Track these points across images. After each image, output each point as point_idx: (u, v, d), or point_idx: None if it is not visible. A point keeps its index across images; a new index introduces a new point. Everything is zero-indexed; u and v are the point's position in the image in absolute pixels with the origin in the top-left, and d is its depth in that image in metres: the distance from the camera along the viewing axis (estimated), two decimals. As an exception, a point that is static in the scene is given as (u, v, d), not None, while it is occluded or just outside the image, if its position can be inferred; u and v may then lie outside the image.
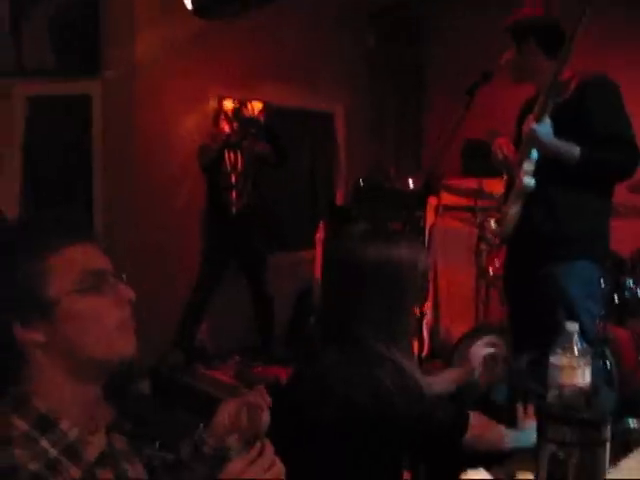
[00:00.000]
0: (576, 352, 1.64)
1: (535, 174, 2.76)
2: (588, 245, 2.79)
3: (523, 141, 2.80)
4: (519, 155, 2.84)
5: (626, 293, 3.65)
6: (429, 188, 5.53)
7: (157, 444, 1.57)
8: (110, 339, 1.26)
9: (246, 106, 5.24)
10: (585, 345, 1.65)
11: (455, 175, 5.34)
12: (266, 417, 1.41)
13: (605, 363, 3.46)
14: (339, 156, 6.72)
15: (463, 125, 3.10)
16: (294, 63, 6.13)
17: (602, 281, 3.52)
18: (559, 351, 1.64)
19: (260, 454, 1.28)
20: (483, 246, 4.37)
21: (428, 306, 5.31)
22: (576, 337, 1.65)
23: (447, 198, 5.35)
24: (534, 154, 2.76)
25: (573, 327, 1.65)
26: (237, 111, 5.10)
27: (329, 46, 6.36)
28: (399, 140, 6.57)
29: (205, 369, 5.13)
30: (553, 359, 1.65)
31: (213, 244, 5.19)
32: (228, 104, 5.13)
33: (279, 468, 1.31)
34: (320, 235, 5.88)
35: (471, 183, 4.71)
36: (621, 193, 3.52)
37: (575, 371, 1.62)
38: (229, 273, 5.26)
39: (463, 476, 1.50)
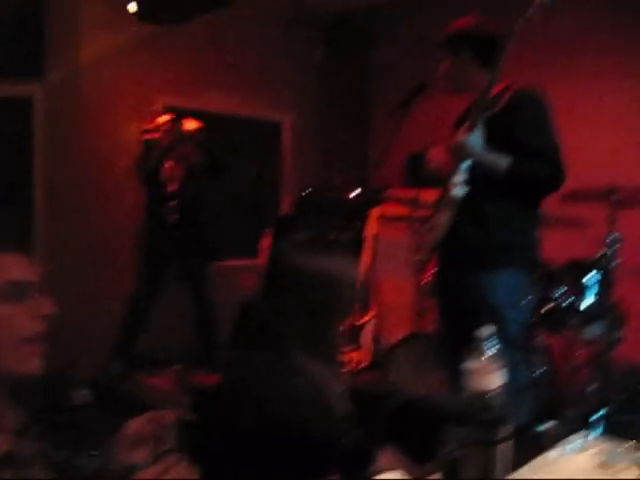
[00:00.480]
0: (487, 357, 1.67)
1: (466, 184, 2.82)
2: (514, 255, 2.85)
3: (453, 151, 2.84)
4: (451, 165, 2.89)
5: (555, 303, 3.72)
6: (372, 199, 5.61)
7: (78, 452, 1.55)
8: (16, 351, 1.26)
9: (182, 118, 5.20)
10: (496, 350, 1.68)
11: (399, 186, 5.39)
12: (172, 434, 1.40)
13: (533, 370, 3.54)
14: (285, 165, 6.74)
15: (403, 136, 3.16)
16: (242, 72, 6.16)
17: (533, 291, 3.61)
18: (471, 356, 1.67)
19: (169, 467, 1.29)
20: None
21: (372, 315, 5.36)
22: (487, 342, 1.68)
23: (390, 209, 5.39)
24: (465, 165, 2.81)
25: (484, 333, 1.68)
26: (173, 122, 5.07)
27: (278, 55, 6.40)
28: (345, 150, 6.60)
29: (146, 377, 5.08)
30: (467, 364, 1.68)
31: (150, 254, 5.16)
32: (164, 117, 5.08)
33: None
34: (265, 244, 5.89)
35: (411, 193, 4.76)
36: (553, 204, 3.62)
37: (487, 376, 1.65)
38: (170, 281, 5.23)
39: (378, 477, 1.52)
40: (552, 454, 1.73)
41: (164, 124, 5.01)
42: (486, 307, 2.76)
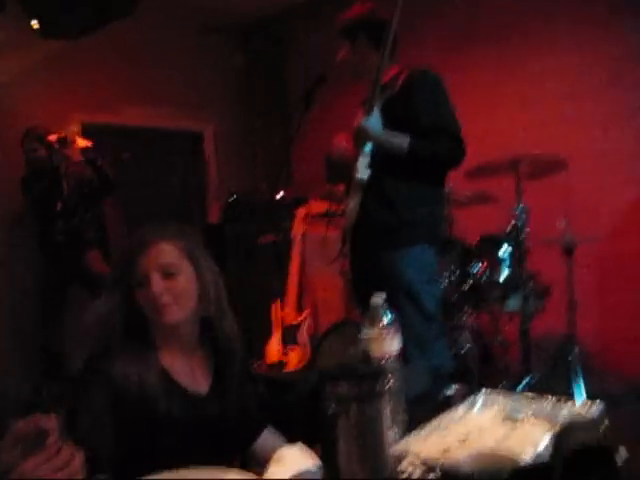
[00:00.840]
0: (383, 324, 1.68)
1: (371, 167, 2.85)
2: (423, 231, 2.90)
3: (354, 135, 2.87)
4: (355, 150, 2.92)
5: (475, 279, 3.80)
6: (297, 199, 5.63)
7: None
8: None
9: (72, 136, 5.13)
10: (392, 316, 1.70)
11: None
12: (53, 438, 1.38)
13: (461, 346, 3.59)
14: (210, 174, 6.72)
15: (325, 135, 3.18)
16: (160, 84, 6.14)
17: (451, 269, 3.67)
18: (368, 324, 1.69)
19: (56, 453, 1.27)
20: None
21: (306, 314, 5.36)
22: (380, 309, 1.69)
23: (314, 207, 5.41)
24: (367, 148, 2.84)
25: (378, 300, 1.70)
26: (62, 141, 4.98)
27: (195, 65, 6.39)
28: (269, 155, 6.62)
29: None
30: (364, 333, 1.70)
31: (48, 272, 5.09)
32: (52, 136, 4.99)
33: (76, 466, 1.30)
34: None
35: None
36: (461, 182, 3.70)
37: (383, 341, 1.67)
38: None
39: (279, 453, 1.52)
40: (459, 411, 1.75)
41: (53, 142, 4.93)
42: (400, 284, 2.79)
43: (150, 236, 1.79)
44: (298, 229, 5.52)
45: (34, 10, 3.84)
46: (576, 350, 3.81)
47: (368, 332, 1.68)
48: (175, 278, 1.75)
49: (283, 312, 5.28)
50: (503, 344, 4.01)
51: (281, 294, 5.31)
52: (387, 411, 1.28)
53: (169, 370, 1.76)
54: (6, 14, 4.27)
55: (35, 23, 4.22)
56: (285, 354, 4.96)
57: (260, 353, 4.96)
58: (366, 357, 1.30)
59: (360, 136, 2.82)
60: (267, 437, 1.89)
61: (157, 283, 1.72)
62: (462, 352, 3.65)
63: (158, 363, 1.75)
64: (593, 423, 0.87)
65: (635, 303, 4.40)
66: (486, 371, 3.71)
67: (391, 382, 1.62)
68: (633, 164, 4.35)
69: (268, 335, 5.08)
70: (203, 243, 1.89)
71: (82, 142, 5.03)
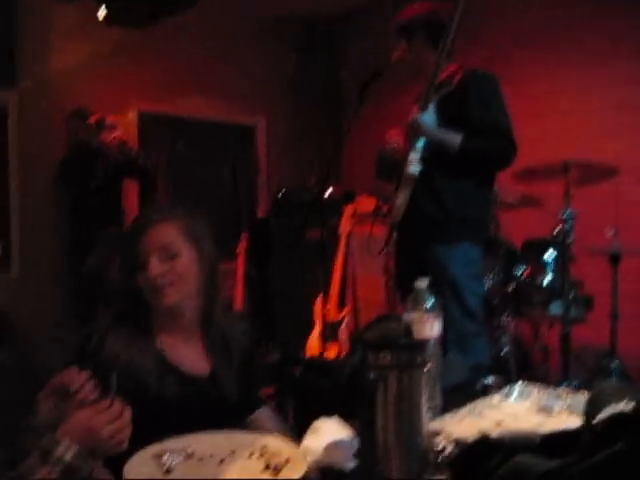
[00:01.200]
0: (425, 307, 1.72)
1: (422, 162, 2.88)
2: (470, 228, 2.93)
3: (407, 130, 2.91)
4: (407, 145, 2.96)
5: (517, 281, 3.80)
6: (346, 196, 5.68)
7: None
8: None
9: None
10: (434, 302, 1.73)
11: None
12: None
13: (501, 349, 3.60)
14: (260, 168, 6.81)
15: (378, 134, 3.21)
16: (215, 76, 6.23)
17: (496, 269, 3.68)
18: (410, 306, 1.73)
19: (108, 406, 1.34)
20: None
21: (348, 311, 5.41)
22: (424, 293, 1.73)
23: (363, 204, 5.44)
24: (419, 143, 2.88)
25: (422, 283, 1.74)
26: (100, 123, 5.07)
27: (250, 60, 6.47)
28: (320, 151, 6.67)
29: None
30: (406, 314, 1.74)
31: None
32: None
33: (126, 420, 1.37)
34: (242, 247, 5.95)
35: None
36: (509, 184, 3.71)
37: (425, 324, 1.71)
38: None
39: (315, 424, 1.56)
40: (495, 398, 1.79)
41: (92, 124, 5.02)
42: (445, 278, 2.83)
43: (151, 217, 1.80)
44: (345, 226, 5.56)
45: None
46: (616, 364, 3.79)
47: (410, 314, 1.73)
48: (175, 259, 1.75)
49: (325, 308, 5.33)
50: (543, 350, 4.01)
51: (325, 290, 5.35)
52: (424, 384, 1.31)
53: (167, 353, 1.77)
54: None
55: (102, 11, 4.35)
56: (325, 349, 5.01)
57: (301, 346, 5.02)
58: (408, 332, 1.34)
59: (413, 131, 2.87)
60: (261, 415, 1.91)
61: (155, 266, 1.72)
62: (501, 354, 3.65)
63: (154, 346, 1.76)
64: (623, 389, 0.90)
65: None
66: (524, 377, 3.70)
67: (430, 364, 1.67)
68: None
69: (310, 329, 5.13)
70: (206, 225, 1.89)
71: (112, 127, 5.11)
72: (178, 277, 1.74)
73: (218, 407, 1.76)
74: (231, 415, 1.76)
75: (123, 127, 5.67)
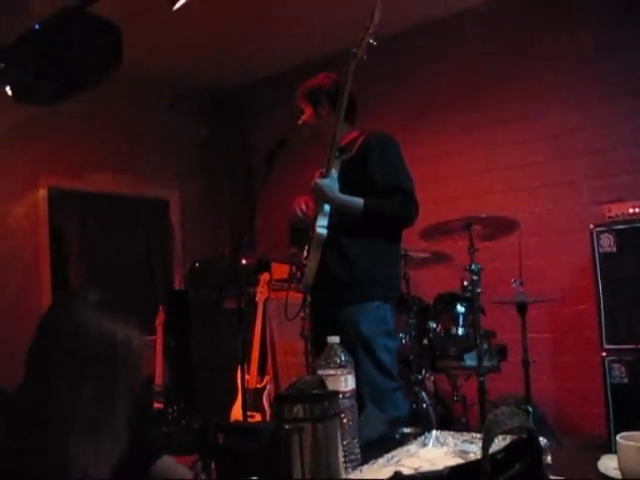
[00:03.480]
0: (337, 362, 1.76)
1: (330, 225, 2.96)
2: (379, 287, 2.99)
3: (312, 195, 2.99)
4: (315, 209, 3.03)
5: (432, 336, 3.90)
6: (261, 264, 5.72)
7: None
8: None
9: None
10: (346, 357, 1.78)
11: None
12: None
13: (419, 403, 3.65)
14: (175, 241, 6.80)
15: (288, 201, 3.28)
16: (126, 151, 6.24)
17: (410, 325, 3.77)
18: (323, 363, 1.77)
19: None
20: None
21: (268, 379, 5.39)
22: (336, 349, 1.78)
23: (278, 271, 5.49)
24: (326, 207, 2.96)
25: (333, 340, 1.78)
26: None
27: (161, 135, 6.52)
28: (233, 221, 6.73)
29: None
30: (319, 371, 1.77)
31: None
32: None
33: None
34: (160, 319, 5.88)
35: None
36: (417, 242, 3.83)
37: (338, 379, 1.75)
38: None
39: None
40: (412, 447, 1.83)
41: None
42: (357, 337, 2.87)
43: None
44: (262, 294, 5.58)
45: (8, 76, 3.95)
46: (530, 410, 3.89)
47: (324, 370, 1.77)
48: None
49: (246, 376, 5.29)
50: (462, 402, 4.08)
51: (244, 358, 5.32)
52: (340, 435, 1.34)
53: None
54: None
55: (8, 90, 4.33)
56: (249, 417, 4.96)
57: (225, 415, 4.96)
58: (321, 385, 1.38)
59: (317, 195, 2.94)
60: (164, 463, 1.92)
61: None
62: (421, 409, 3.71)
63: None
64: (519, 413, 0.96)
65: (584, 364, 4.52)
66: (446, 430, 3.75)
67: (345, 416, 1.70)
68: (577, 227, 4.54)
69: (233, 398, 5.08)
70: None
71: None
72: None
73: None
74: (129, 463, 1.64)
75: (33, 203, 5.62)
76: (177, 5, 4.25)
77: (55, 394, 1.37)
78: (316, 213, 2.99)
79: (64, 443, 1.35)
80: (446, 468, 1.10)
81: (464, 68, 5.44)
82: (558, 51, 4.97)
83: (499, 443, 0.98)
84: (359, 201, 2.92)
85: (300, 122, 3.27)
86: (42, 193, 5.75)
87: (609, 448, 1.58)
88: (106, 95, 5.58)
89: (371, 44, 2.84)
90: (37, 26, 3.86)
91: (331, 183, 2.92)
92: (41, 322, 1.50)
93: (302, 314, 3.41)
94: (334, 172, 2.95)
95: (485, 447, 0.90)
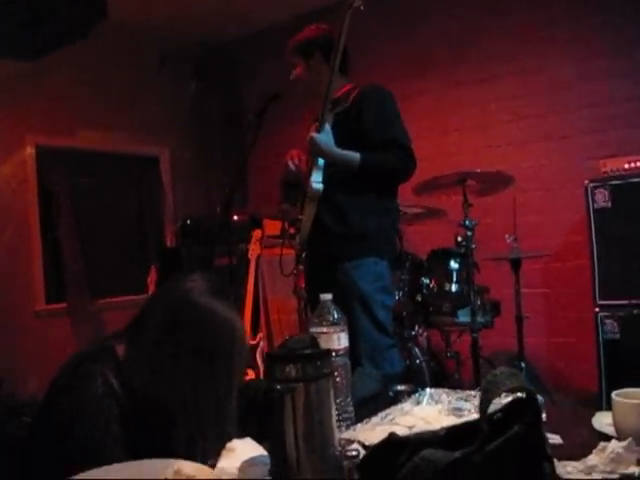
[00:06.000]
0: (330, 320, 1.74)
1: (325, 180, 2.91)
2: (375, 243, 2.96)
3: (308, 150, 2.94)
4: (309, 164, 2.98)
5: (425, 292, 3.88)
6: (252, 221, 5.68)
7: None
8: None
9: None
10: (339, 314, 1.75)
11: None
12: None
13: (413, 360, 3.65)
14: (166, 198, 6.74)
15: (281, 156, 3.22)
16: (116, 108, 6.15)
17: (403, 281, 3.75)
18: (316, 320, 1.74)
19: None
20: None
21: (261, 337, 5.40)
22: (329, 307, 1.75)
23: (270, 228, 5.46)
24: (320, 161, 2.91)
25: (325, 297, 1.75)
26: None
27: (151, 91, 6.42)
28: (224, 178, 6.66)
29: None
30: (312, 329, 1.75)
31: None
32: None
33: None
34: (152, 278, 5.87)
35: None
36: (410, 198, 3.79)
37: (331, 336, 1.72)
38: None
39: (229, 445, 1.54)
40: (406, 405, 1.82)
41: None
42: (354, 293, 2.85)
43: None
44: (254, 251, 5.56)
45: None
46: (524, 366, 3.91)
47: (316, 328, 1.74)
48: None
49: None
50: (455, 358, 4.09)
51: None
52: (333, 395, 1.31)
53: None
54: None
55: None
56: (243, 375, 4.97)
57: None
58: (313, 344, 1.35)
59: (313, 150, 2.88)
60: None
61: None
62: (415, 365, 3.71)
63: None
64: (518, 374, 0.94)
65: (577, 320, 4.53)
66: (439, 386, 3.77)
67: (338, 375, 1.68)
68: (572, 182, 4.51)
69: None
70: None
71: None
72: None
73: None
74: None
75: (20, 162, 5.55)
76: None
77: (184, 394, 1.35)
78: (310, 167, 2.94)
79: (194, 448, 1.34)
80: (442, 429, 1.08)
81: (460, 23, 5.34)
82: (556, 5, 4.87)
83: (497, 402, 0.95)
84: (356, 155, 2.87)
85: (292, 77, 3.19)
86: (29, 151, 5.66)
87: (600, 404, 1.57)
88: (95, 51, 5.51)
89: None
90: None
91: (326, 137, 2.86)
92: (159, 306, 1.45)
93: (295, 271, 3.36)
94: (328, 126, 2.89)
95: (483, 408, 0.88)
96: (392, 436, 1.05)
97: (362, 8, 2.73)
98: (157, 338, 1.41)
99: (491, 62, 5.18)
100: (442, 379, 4.04)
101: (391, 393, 1.97)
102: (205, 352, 1.41)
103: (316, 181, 2.91)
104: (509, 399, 0.98)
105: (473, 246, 3.50)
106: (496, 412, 0.92)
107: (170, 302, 1.45)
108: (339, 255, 2.94)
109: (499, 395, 0.92)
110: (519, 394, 0.96)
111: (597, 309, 3.87)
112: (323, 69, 3.05)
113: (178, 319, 1.42)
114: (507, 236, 3.83)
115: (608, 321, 3.83)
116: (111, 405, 1.34)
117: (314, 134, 2.86)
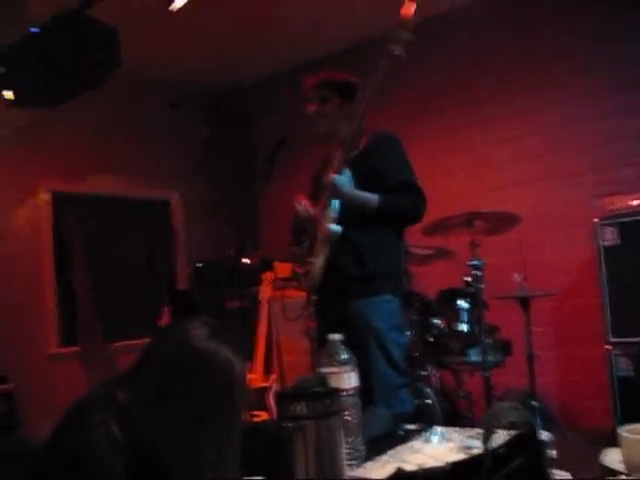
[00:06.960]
0: (340, 360, 1.76)
1: (339, 221, 2.95)
2: (389, 281, 3.01)
3: (325, 192, 2.97)
4: (321, 206, 3.01)
5: (435, 332, 3.89)
6: (264, 263, 5.72)
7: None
8: None
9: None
10: (348, 354, 1.77)
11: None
12: None
13: (424, 399, 3.65)
14: (177, 241, 6.80)
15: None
16: (126, 152, 6.25)
17: (413, 322, 3.76)
18: (325, 360, 1.76)
19: None
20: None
21: (274, 379, 5.40)
22: (337, 347, 1.77)
23: (281, 270, 5.50)
24: (335, 203, 2.95)
25: (334, 337, 1.78)
26: None
27: (162, 135, 6.53)
28: (236, 221, 6.73)
29: None
30: (321, 369, 1.77)
31: None
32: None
33: None
34: (164, 321, 5.89)
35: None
36: (419, 239, 3.83)
37: (341, 376, 1.74)
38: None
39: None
40: (416, 444, 1.83)
41: None
42: (368, 331, 2.87)
43: None
44: (265, 293, 5.60)
45: (8, 80, 3.95)
46: (536, 404, 3.89)
47: (326, 368, 1.76)
48: None
49: (251, 376, 5.30)
50: (467, 398, 4.08)
51: (249, 358, 5.34)
52: (342, 433, 1.34)
53: None
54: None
55: (9, 94, 4.33)
56: (254, 416, 4.97)
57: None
58: (323, 383, 1.38)
59: (331, 192, 2.93)
60: None
61: None
62: (426, 405, 3.70)
63: None
64: (518, 408, 0.96)
65: (589, 358, 4.52)
66: (451, 426, 3.76)
67: (349, 413, 1.70)
68: (579, 220, 4.54)
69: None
70: None
71: None
72: None
73: None
74: None
75: (35, 207, 5.63)
76: (174, 5, 4.25)
77: (184, 433, 1.34)
78: (323, 209, 2.98)
79: None
80: (448, 464, 1.10)
81: (460, 66, 5.44)
82: (557, 44, 4.96)
83: (502, 438, 0.98)
84: (374, 197, 2.93)
85: (319, 111, 3.14)
86: (44, 197, 5.76)
87: (614, 441, 1.57)
88: (107, 97, 5.59)
89: (409, 39, 2.67)
90: (37, 30, 3.87)
91: (345, 179, 2.91)
92: (159, 352, 1.44)
93: (306, 312, 3.38)
94: (347, 169, 2.94)
95: (485, 442, 0.90)
96: (400, 471, 1.08)
97: (404, 56, 2.70)
98: (156, 385, 1.40)
99: (493, 103, 5.26)
100: (455, 419, 4.01)
101: (401, 432, 1.98)
102: (205, 396, 1.38)
103: (333, 223, 2.94)
104: (512, 433, 1.01)
105: (482, 286, 3.52)
106: (500, 446, 0.95)
107: (169, 348, 1.44)
108: (352, 294, 2.97)
109: (500, 429, 0.95)
110: (523, 429, 0.99)
111: (610, 347, 3.87)
112: (337, 111, 3.11)
113: (177, 365, 1.41)
114: (516, 275, 3.85)
115: (622, 359, 3.83)
116: (115, 455, 1.35)
117: (335, 176, 2.90)
